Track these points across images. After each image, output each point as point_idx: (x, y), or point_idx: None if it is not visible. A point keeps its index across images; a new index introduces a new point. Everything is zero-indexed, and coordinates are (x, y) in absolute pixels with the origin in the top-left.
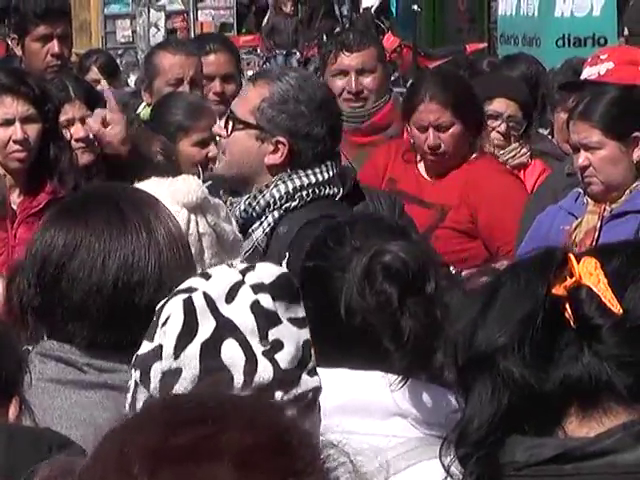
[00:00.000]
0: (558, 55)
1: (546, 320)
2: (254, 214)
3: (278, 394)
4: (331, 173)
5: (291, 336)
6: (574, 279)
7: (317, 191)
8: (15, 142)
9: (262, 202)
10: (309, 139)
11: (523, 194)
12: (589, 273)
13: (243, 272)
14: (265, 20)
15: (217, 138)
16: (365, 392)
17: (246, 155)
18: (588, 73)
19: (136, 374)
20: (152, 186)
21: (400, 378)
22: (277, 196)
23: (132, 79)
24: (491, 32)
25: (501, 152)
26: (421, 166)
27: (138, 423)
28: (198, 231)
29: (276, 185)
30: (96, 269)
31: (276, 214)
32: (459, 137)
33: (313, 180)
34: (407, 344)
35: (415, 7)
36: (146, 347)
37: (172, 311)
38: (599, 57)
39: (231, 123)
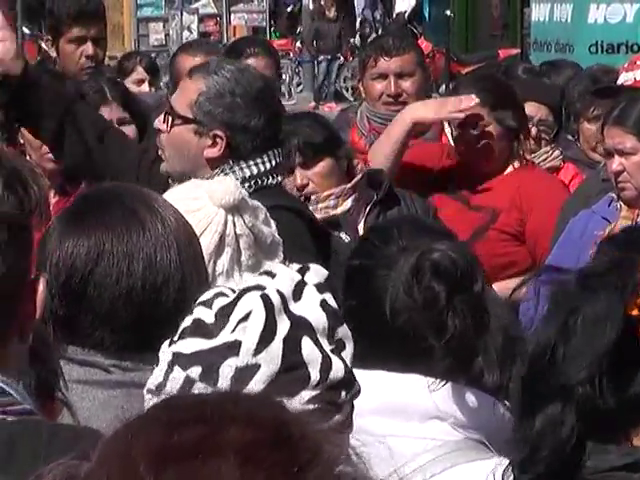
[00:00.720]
0: (591, 61)
1: (622, 341)
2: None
3: (343, 393)
4: (273, 163)
5: (349, 336)
6: None
7: (259, 182)
8: (39, 146)
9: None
10: (247, 131)
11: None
12: None
13: (301, 272)
14: (304, 25)
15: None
16: (403, 394)
17: (186, 150)
18: (624, 78)
19: (193, 371)
20: (190, 187)
21: (440, 380)
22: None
23: (164, 82)
24: (524, 38)
25: (533, 155)
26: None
27: (140, 424)
28: (235, 232)
29: (217, 178)
30: (122, 274)
31: None
32: (499, 139)
33: (255, 171)
34: (451, 342)
35: (448, 12)
36: (206, 344)
37: (252, 307)
38: (635, 63)
39: (170, 118)
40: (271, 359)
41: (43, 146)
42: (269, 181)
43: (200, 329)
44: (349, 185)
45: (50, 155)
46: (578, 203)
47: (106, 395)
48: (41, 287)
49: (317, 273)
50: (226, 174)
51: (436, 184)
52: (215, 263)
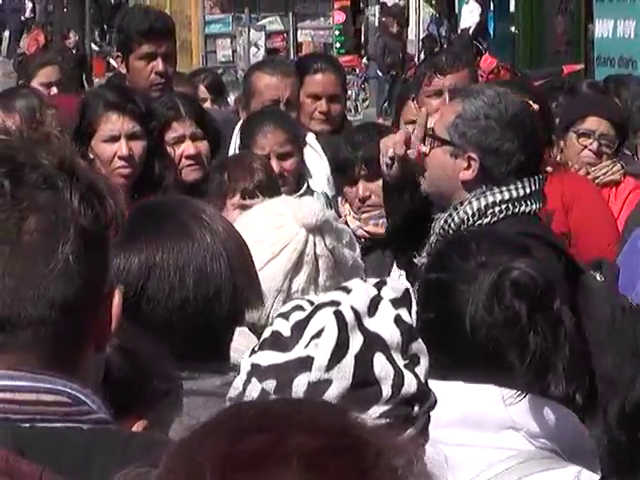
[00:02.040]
0: None
1: None
2: (450, 231)
3: (417, 407)
4: (527, 190)
5: (424, 350)
6: None
7: (511, 207)
8: (120, 158)
9: (456, 219)
10: (499, 154)
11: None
12: None
13: (377, 287)
14: (372, 42)
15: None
16: (480, 405)
17: (442, 171)
18: None
19: (269, 383)
20: (278, 203)
21: (518, 393)
22: (470, 213)
23: (231, 98)
24: (588, 54)
25: (592, 169)
26: None
27: (206, 432)
28: (315, 252)
29: (470, 202)
30: (175, 286)
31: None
32: None
33: (507, 197)
34: (533, 361)
35: (513, 29)
36: (281, 357)
37: (325, 324)
38: None
39: (429, 140)
40: (342, 375)
41: (113, 160)
42: (521, 208)
43: (277, 342)
44: None
45: (121, 170)
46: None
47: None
48: (117, 299)
49: (394, 288)
50: (478, 198)
51: None
52: (291, 280)
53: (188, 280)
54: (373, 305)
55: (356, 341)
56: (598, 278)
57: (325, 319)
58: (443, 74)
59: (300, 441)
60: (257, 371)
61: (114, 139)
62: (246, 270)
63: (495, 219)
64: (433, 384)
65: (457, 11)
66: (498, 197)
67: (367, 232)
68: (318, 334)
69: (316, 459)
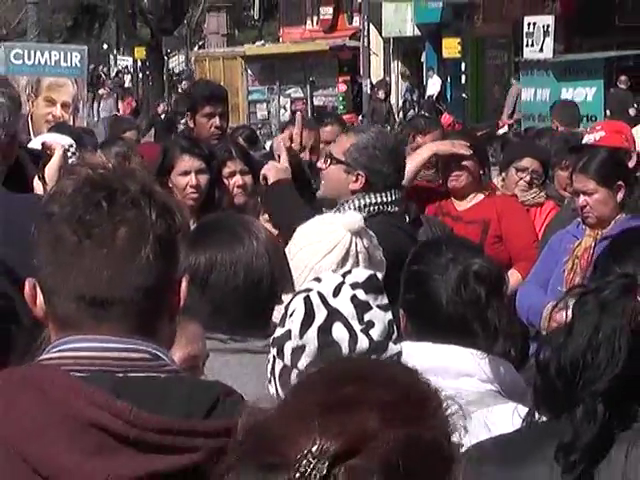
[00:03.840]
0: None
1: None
2: None
3: (373, 357)
4: (394, 197)
5: (379, 317)
6: None
7: (381, 207)
8: (191, 187)
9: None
10: (380, 174)
11: (527, 214)
12: None
13: (343, 275)
14: (366, 105)
15: None
16: (445, 359)
17: (337, 182)
18: (587, 139)
19: (274, 350)
20: (329, 217)
21: (481, 352)
22: (352, 208)
23: (267, 145)
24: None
25: (524, 194)
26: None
27: (310, 384)
28: (357, 249)
29: (353, 201)
30: (230, 277)
31: None
32: (475, 172)
33: (379, 200)
34: (489, 329)
35: (464, 95)
36: (279, 332)
37: (296, 306)
38: (595, 128)
39: (329, 160)
40: (310, 341)
41: (185, 189)
42: (388, 208)
43: (280, 320)
44: None
45: (191, 196)
46: (556, 226)
47: (225, 359)
48: (184, 285)
49: (356, 276)
50: (359, 199)
51: (429, 201)
52: (340, 269)
53: (239, 273)
54: (337, 289)
55: (320, 315)
56: None
57: (297, 302)
58: (423, 134)
59: (379, 393)
60: (272, 342)
61: (186, 173)
62: (281, 265)
63: (370, 214)
64: (411, 344)
65: (424, 83)
66: (373, 200)
67: None
68: (292, 314)
69: (390, 408)
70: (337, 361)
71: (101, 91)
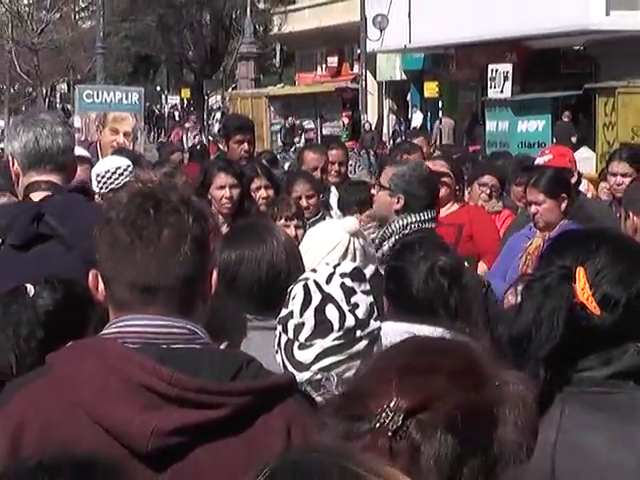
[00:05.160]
0: (518, 152)
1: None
2: (387, 236)
3: (358, 332)
4: (429, 216)
5: (363, 300)
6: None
7: (420, 225)
8: (225, 199)
9: (389, 230)
10: (415, 196)
11: (492, 220)
12: (581, 289)
13: (334, 267)
14: (362, 135)
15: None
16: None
17: (383, 204)
18: (538, 161)
19: (280, 327)
20: (332, 222)
21: (443, 330)
22: (397, 227)
23: (286, 166)
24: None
25: (486, 204)
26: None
27: (391, 354)
28: (354, 247)
29: (397, 221)
30: (255, 270)
31: (397, 237)
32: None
33: (418, 219)
34: (451, 312)
35: (441, 127)
36: (284, 312)
37: (297, 292)
38: (544, 152)
39: (377, 187)
40: (308, 319)
41: (221, 200)
42: (425, 225)
43: (285, 304)
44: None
45: (226, 206)
46: (513, 229)
47: (248, 335)
48: (214, 275)
49: (345, 267)
50: (402, 219)
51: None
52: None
53: (262, 266)
54: (329, 277)
55: (316, 299)
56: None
57: (298, 288)
58: (409, 154)
59: (447, 364)
60: (278, 320)
61: (222, 187)
62: (295, 261)
63: (411, 231)
64: (391, 324)
65: (410, 117)
66: (413, 219)
67: None
68: (294, 297)
69: (455, 376)
70: (414, 337)
71: (187, 125)
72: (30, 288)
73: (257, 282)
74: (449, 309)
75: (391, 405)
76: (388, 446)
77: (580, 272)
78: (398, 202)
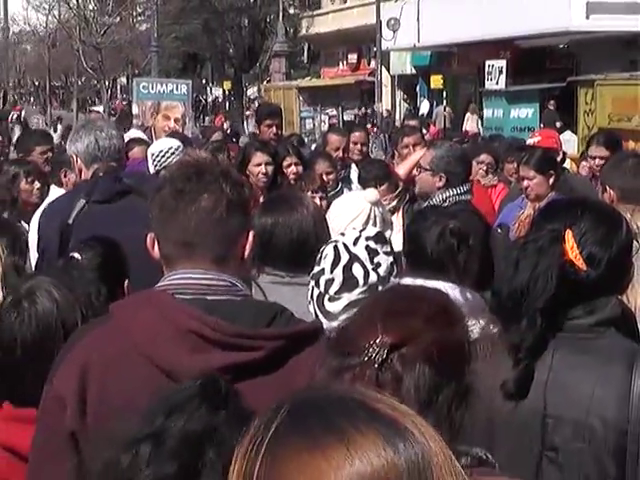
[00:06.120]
0: (511, 135)
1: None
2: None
3: (380, 287)
4: (464, 189)
5: (384, 260)
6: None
7: (457, 197)
8: (261, 174)
9: (432, 202)
10: (455, 174)
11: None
12: (570, 249)
13: (360, 231)
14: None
15: None
16: None
17: (426, 183)
18: (529, 141)
19: (312, 282)
20: (356, 193)
21: (452, 285)
22: (439, 199)
23: (313, 147)
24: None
25: (483, 179)
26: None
27: (378, 299)
28: (375, 214)
29: (439, 195)
30: (287, 234)
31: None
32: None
33: (456, 192)
34: (460, 269)
35: (445, 114)
36: (316, 269)
37: (328, 252)
38: (534, 134)
39: (419, 169)
40: (337, 276)
41: (258, 175)
42: (462, 197)
43: (317, 262)
44: (396, 193)
45: (262, 180)
46: (508, 201)
47: (282, 289)
48: (250, 236)
49: (369, 231)
50: (442, 194)
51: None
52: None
53: (294, 231)
54: (355, 240)
55: (344, 258)
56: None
57: (329, 249)
58: (408, 135)
59: (424, 307)
60: (311, 276)
61: (259, 165)
62: (322, 227)
63: (451, 202)
64: (411, 280)
65: (418, 106)
66: (452, 192)
67: None
68: (324, 257)
69: (431, 317)
70: (395, 286)
71: (247, 112)
72: (77, 255)
73: (289, 244)
74: (457, 266)
75: (377, 341)
76: (375, 377)
77: (569, 234)
78: (440, 180)
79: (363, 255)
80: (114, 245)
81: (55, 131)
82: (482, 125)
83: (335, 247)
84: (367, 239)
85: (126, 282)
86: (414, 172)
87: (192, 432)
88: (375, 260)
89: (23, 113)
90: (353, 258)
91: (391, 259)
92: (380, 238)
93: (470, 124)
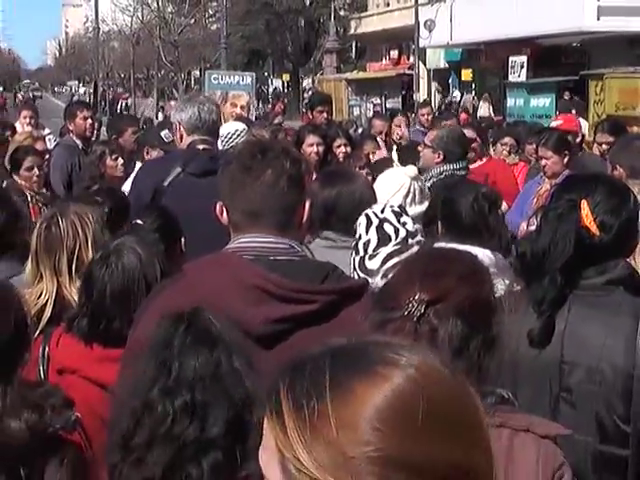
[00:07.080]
0: (532, 121)
1: (577, 244)
2: (430, 181)
3: (410, 240)
4: (461, 165)
5: (409, 220)
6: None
7: (455, 172)
8: (314, 154)
9: (427, 175)
10: (452, 152)
11: (510, 169)
12: (585, 216)
13: (385, 205)
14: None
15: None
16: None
17: (428, 158)
18: (552, 124)
19: (353, 251)
20: (397, 169)
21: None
22: (436, 172)
23: (359, 130)
24: (505, 112)
25: (507, 158)
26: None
27: (416, 261)
28: (414, 188)
29: (436, 169)
30: (350, 201)
31: (434, 180)
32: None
33: (452, 167)
34: (491, 231)
35: (474, 102)
36: (354, 239)
37: (361, 220)
38: (557, 118)
39: (423, 146)
40: (371, 236)
41: (310, 154)
42: (459, 172)
43: (355, 229)
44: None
45: (313, 157)
46: (528, 178)
47: (334, 251)
48: (307, 204)
49: (392, 203)
50: (439, 167)
51: None
52: (404, 200)
53: (353, 199)
54: (383, 208)
55: (375, 221)
56: None
57: (362, 218)
58: (446, 119)
59: (456, 267)
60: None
61: (311, 145)
62: (374, 195)
63: (447, 175)
64: (445, 244)
65: (450, 95)
66: (449, 167)
67: None
68: (359, 224)
69: (462, 276)
70: (430, 249)
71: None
72: (139, 221)
73: (352, 210)
74: (489, 228)
75: (415, 298)
76: (413, 329)
77: (584, 203)
78: (439, 157)
79: (391, 217)
80: (167, 211)
81: (156, 117)
82: (506, 113)
83: (366, 215)
84: (392, 207)
85: (182, 240)
86: (419, 148)
87: None
88: (401, 220)
89: (129, 101)
90: (382, 220)
91: (415, 225)
92: (401, 208)
93: (483, 110)
